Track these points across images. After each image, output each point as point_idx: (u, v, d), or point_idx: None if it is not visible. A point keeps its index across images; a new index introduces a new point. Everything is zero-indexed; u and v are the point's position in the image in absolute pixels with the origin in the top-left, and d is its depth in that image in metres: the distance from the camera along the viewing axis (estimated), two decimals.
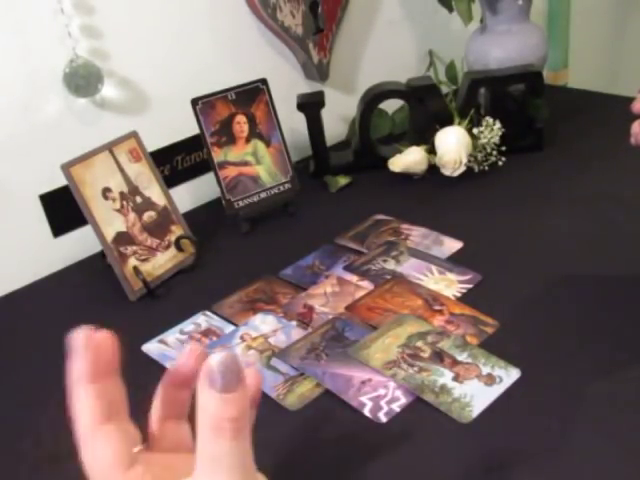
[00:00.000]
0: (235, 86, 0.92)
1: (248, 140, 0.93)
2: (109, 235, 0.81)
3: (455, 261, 0.80)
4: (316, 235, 0.90)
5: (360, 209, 0.95)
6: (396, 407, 0.60)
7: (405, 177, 1.00)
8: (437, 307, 0.73)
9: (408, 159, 0.99)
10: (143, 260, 0.84)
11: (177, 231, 0.88)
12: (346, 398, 0.62)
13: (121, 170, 0.84)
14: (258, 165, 0.94)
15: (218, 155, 0.91)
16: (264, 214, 0.95)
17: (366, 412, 0.60)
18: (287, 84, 1.10)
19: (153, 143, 0.95)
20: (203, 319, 0.77)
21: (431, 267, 0.80)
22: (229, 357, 0.30)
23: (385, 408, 0.60)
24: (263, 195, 0.95)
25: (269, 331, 0.73)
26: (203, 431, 0.30)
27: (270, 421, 0.61)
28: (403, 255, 0.83)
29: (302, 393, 0.63)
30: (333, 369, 0.65)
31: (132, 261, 0.83)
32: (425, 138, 1.01)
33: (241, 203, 0.93)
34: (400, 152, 1.01)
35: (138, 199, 0.85)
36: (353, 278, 0.80)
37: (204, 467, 0.31)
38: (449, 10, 1.11)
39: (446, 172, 0.96)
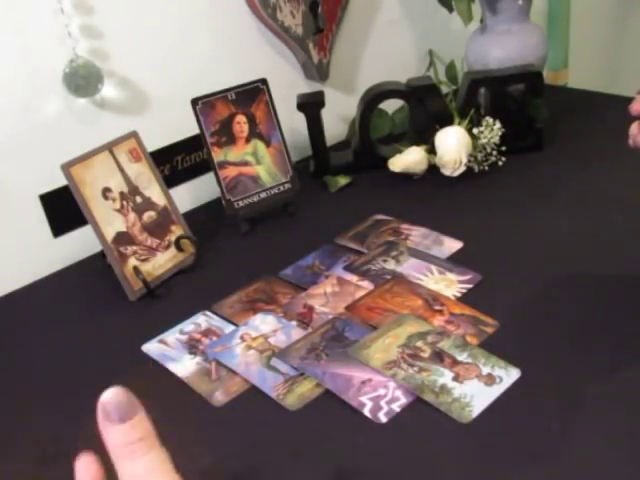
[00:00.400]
0: (235, 86, 0.91)
1: (248, 140, 0.93)
2: (109, 235, 0.81)
3: (455, 261, 0.80)
4: (316, 235, 0.90)
5: (360, 209, 0.95)
6: (396, 407, 0.60)
7: (405, 177, 1.00)
8: (437, 307, 0.73)
9: (408, 159, 0.99)
10: (143, 260, 0.84)
11: (177, 231, 0.88)
12: (346, 398, 0.62)
13: (121, 170, 0.84)
14: (258, 165, 0.94)
15: (218, 155, 0.91)
16: (264, 214, 0.95)
17: (366, 412, 0.60)
18: (287, 84, 1.10)
19: (153, 143, 0.95)
20: (203, 319, 0.77)
21: (431, 267, 0.80)
22: (115, 391, 0.33)
23: (385, 408, 0.60)
24: (263, 195, 0.95)
25: (269, 331, 0.73)
26: (119, 463, 0.32)
27: (270, 421, 0.61)
28: (403, 255, 0.83)
29: (302, 393, 0.63)
30: (333, 369, 0.65)
31: (132, 261, 0.83)
32: (425, 138, 1.01)
33: (241, 203, 0.93)
34: (400, 152, 1.01)
35: (138, 199, 0.85)
36: (353, 278, 0.80)
37: None
38: (449, 10, 1.11)
39: (446, 172, 0.96)
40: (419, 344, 0.67)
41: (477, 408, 0.59)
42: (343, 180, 1.03)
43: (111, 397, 0.33)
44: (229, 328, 0.74)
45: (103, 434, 0.32)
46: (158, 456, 0.33)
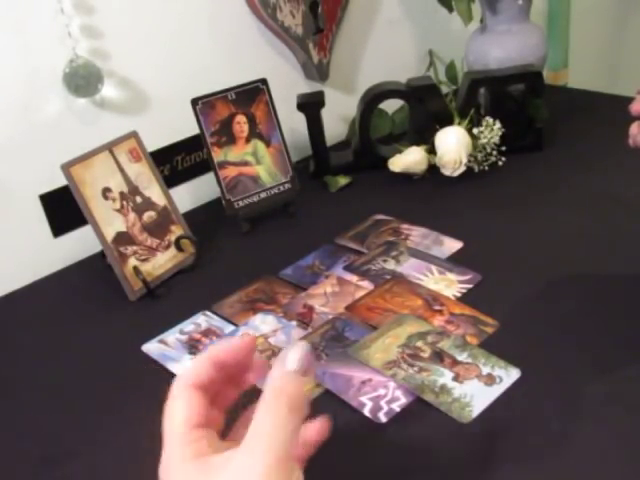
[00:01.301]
0: (235, 86, 0.91)
1: (248, 140, 0.93)
2: (109, 235, 0.81)
3: (455, 261, 0.80)
4: (316, 235, 0.90)
5: (360, 209, 0.95)
6: (396, 407, 0.60)
7: (405, 177, 1.00)
8: (437, 307, 0.73)
9: (408, 159, 0.99)
10: (143, 260, 0.84)
11: (177, 231, 0.88)
12: (346, 398, 0.62)
13: (121, 170, 0.84)
14: (258, 165, 0.94)
15: (218, 155, 0.91)
16: (264, 214, 0.95)
17: (366, 412, 0.60)
18: (287, 84, 1.10)
19: (153, 143, 0.95)
20: (203, 319, 0.77)
21: (431, 267, 0.80)
22: (307, 347, 0.36)
23: (385, 408, 0.60)
24: (263, 195, 0.95)
25: (269, 331, 0.73)
26: (268, 400, 0.35)
27: None
28: (403, 255, 0.83)
29: None
30: (333, 369, 0.65)
31: (132, 261, 0.83)
32: (425, 138, 1.01)
33: (241, 203, 0.93)
34: (400, 152, 1.01)
35: (138, 199, 0.85)
36: (353, 278, 0.80)
37: (253, 439, 0.35)
38: (449, 10, 1.11)
39: (446, 172, 0.96)
40: (419, 344, 0.67)
41: (477, 408, 0.59)
42: (343, 180, 1.03)
43: (302, 348, 0.36)
44: (229, 328, 0.74)
45: (273, 371, 0.35)
46: (294, 423, 0.35)
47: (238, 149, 0.93)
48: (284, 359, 0.36)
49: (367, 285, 0.78)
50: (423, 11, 1.25)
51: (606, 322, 0.67)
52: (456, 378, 0.62)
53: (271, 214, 0.96)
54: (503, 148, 0.98)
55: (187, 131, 0.99)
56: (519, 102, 1.02)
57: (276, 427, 0.35)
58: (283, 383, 0.36)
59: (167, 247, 0.87)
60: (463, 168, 0.95)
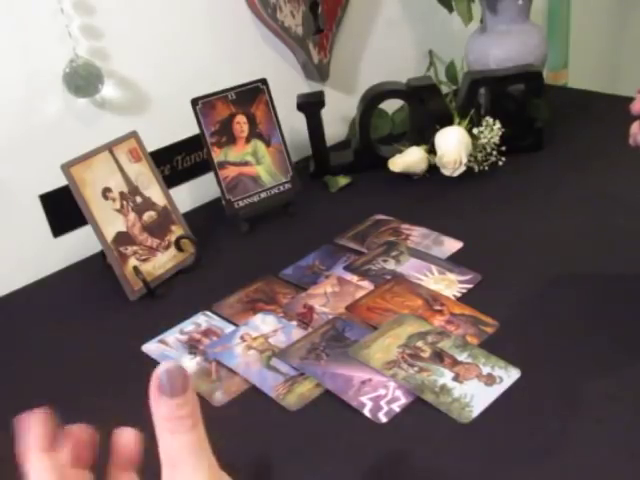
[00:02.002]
0: (235, 86, 0.92)
1: (248, 140, 0.93)
2: (109, 235, 0.81)
3: (455, 261, 0.80)
4: (316, 235, 0.90)
5: (360, 209, 0.95)
6: (396, 407, 0.60)
7: (405, 177, 1.00)
8: (437, 307, 0.73)
9: (408, 159, 0.99)
10: (143, 260, 0.84)
11: (177, 231, 0.88)
12: (346, 398, 0.62)
13: (121, 170, 0.84)
14: (258, 165, 0.94)
15: (218, 155, 0.91)
16: (264, 214, 0.95)
17: (366, 412, 0.60)
18: (287, 84, 1.10)
19: (153, 143, 0.95)
20: (203, 319, 0.77)
21: (431, 267, 0.80)
22: (173, 365, 0.33)
23: (385, 408, 0.60)
24: (263, 195, 0.95)
25: (269, 331, 0.73)
26: (162, 435, 0.34)
27: (270, 421, 0.61)
28: (403, 255, 0.83)
29: (302, 393, 0.63)
30: (333, 369, 0.65)
31: (132, 261, 0.83)
32: (425, 138, 1.01)
33: (241, 203, 0.93)
34: (400, 152, 1.01)
35: (138, 199, 0.85)
36: (353, 278, 0.80)
37: (169, 463, 0.34)
38: (449, 10, 1.11)
39: (446, 172, 0.96)
40: (419, 344, 0.67)
41: (477, 408, 0.59)
42: (343, 180, 1.03)
43: (167, 371, 0.34)
44: (229, 328, 0.74)
45: (152, 403, 0.33)
46: (196, 437, 0.34)
47: (238, 149, 0.93)
48: (158, 386, 0.33)
49: (367, 285, 0.78)
50: (423, 11, 1.25)
51: (606, 322, 0.67)
52: (456, 378, 0.62)
53: (271, 214, 0.96)
54: (503, 148, 0.98)
55: (187, 131, 0.99)
56: (519, 102, 1.02)
57: (182, 447, 0.33)
58: (165, 412, 0.33)
59: (167, 247, 0.87)
60: (463, 168, 0.95)
